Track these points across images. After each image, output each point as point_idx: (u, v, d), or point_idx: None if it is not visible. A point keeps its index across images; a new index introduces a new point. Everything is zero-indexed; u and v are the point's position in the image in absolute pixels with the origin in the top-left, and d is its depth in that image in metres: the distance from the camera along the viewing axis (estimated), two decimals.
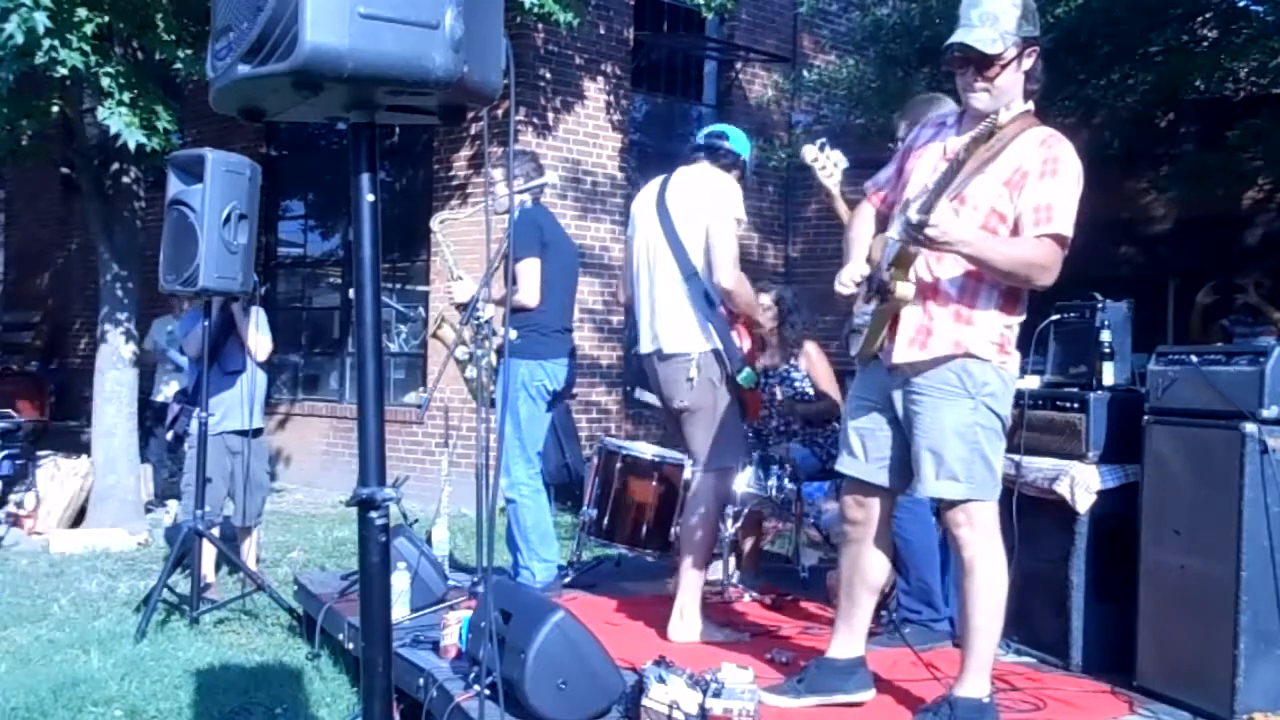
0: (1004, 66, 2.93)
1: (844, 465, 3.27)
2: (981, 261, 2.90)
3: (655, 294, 4.08)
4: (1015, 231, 2.95)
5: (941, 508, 3.10)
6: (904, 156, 3.25)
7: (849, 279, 3.14)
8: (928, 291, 3.01)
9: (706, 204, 4.01)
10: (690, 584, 4.02)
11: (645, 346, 4.16)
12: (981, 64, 2.93)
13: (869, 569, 3.25)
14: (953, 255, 2.93)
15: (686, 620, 4.00)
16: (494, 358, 4.33)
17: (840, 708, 3.22)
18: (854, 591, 3.28)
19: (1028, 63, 2.97)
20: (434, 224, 5.08)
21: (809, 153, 3.92)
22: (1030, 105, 3.00)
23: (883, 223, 3.24)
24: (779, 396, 5.36)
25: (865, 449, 3.19)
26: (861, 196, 3.40)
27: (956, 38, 2.93)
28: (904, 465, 3.15)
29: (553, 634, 3.05)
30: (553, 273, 4.70)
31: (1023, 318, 3.10)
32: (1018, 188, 2.93)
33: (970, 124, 2.98)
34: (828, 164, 3.93)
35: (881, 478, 3.18)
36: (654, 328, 4.09)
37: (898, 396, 3.11)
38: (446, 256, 4.90)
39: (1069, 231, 2.91)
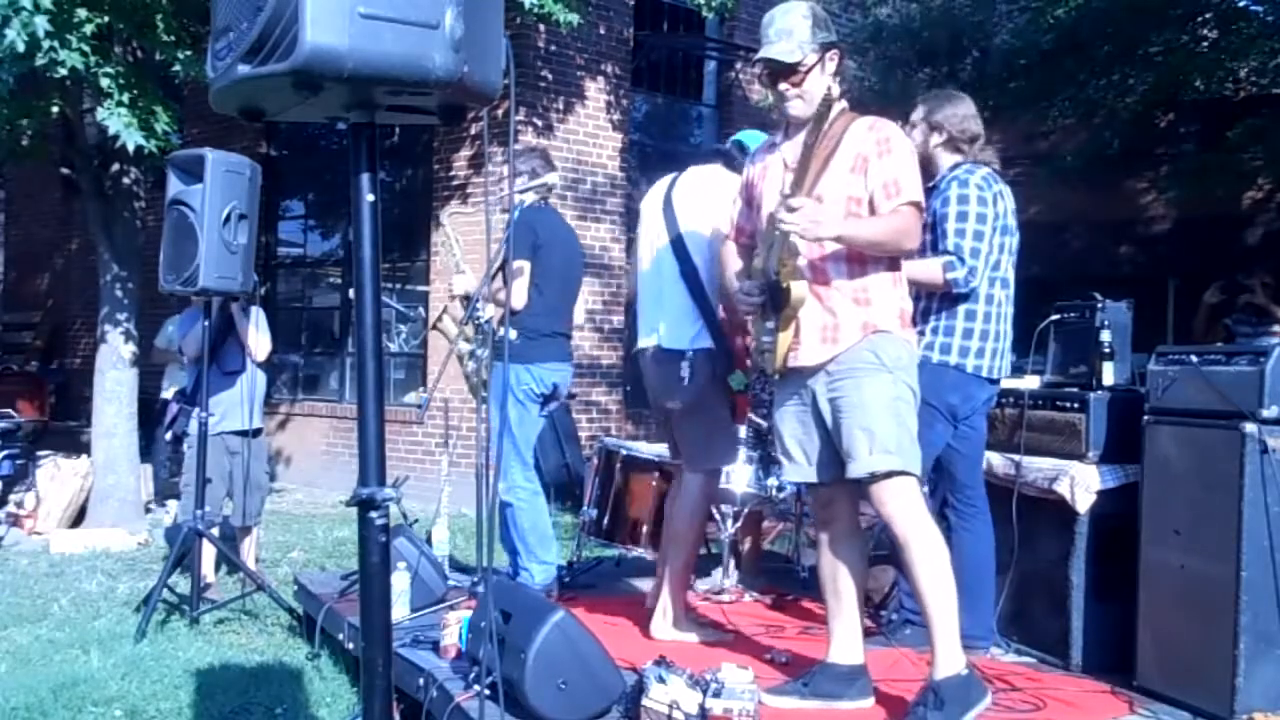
0: (807, 73, 3.19)
1: (789, 474, 3.41)
2: (853, 239, 3.09)
3: (658, 291, 4.09)
4: (871, 210, 3.15)
5: (869, 487, 3.13)
6: (748, 188, 3.47)
7: (747, 296, 3.28)
8: (824, 291, 3.16)
9: (711, 206, 4.02)
10: (674, 582, 4.03)
11: (644, 342, 4.17)
12: (786, 74, 3.19)
13: (846, 561, 3.30)
14: (832, 245, 3.12)
15: (669, 619, 4.01)
16: (491, 356, 4.33)
17: (840, 710, 3.23)
18: (837, 587, 3.31)
19: (831, 66, 3.23)
20: (443, 217, 5.09)
21: None
22: (845, 103, 3.24)
23: (749, 256, 3.41)
24: None
25: (805, 453, 3.29)
26: None
27: (759, 54, 3.23)
28: (837, 459, 3.20)
29: (553, 634, 3.05)
30: (545, 276, 4.63)
31: (908, 297, 3.29)
32: (862, 171, 3.14)
33: (796, 132, 3.23)
34: None
35: (824, 475, 3.26)
36: (655, 324, 4.09)
37: (820, 389, 3.19)
38: (454, 249, 4.88)
39: (920, 196, 3.17)
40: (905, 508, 3.10)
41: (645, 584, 4.91)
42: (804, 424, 3.27)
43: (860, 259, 3.16)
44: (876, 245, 3.13)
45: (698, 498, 4.06)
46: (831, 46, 3.22)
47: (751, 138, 4.27)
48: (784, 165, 3.25)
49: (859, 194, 3.14)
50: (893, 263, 3.22)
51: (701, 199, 4.06)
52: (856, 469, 3.11)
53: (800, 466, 3.31)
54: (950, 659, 3.06)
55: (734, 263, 3.56)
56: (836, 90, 3.19)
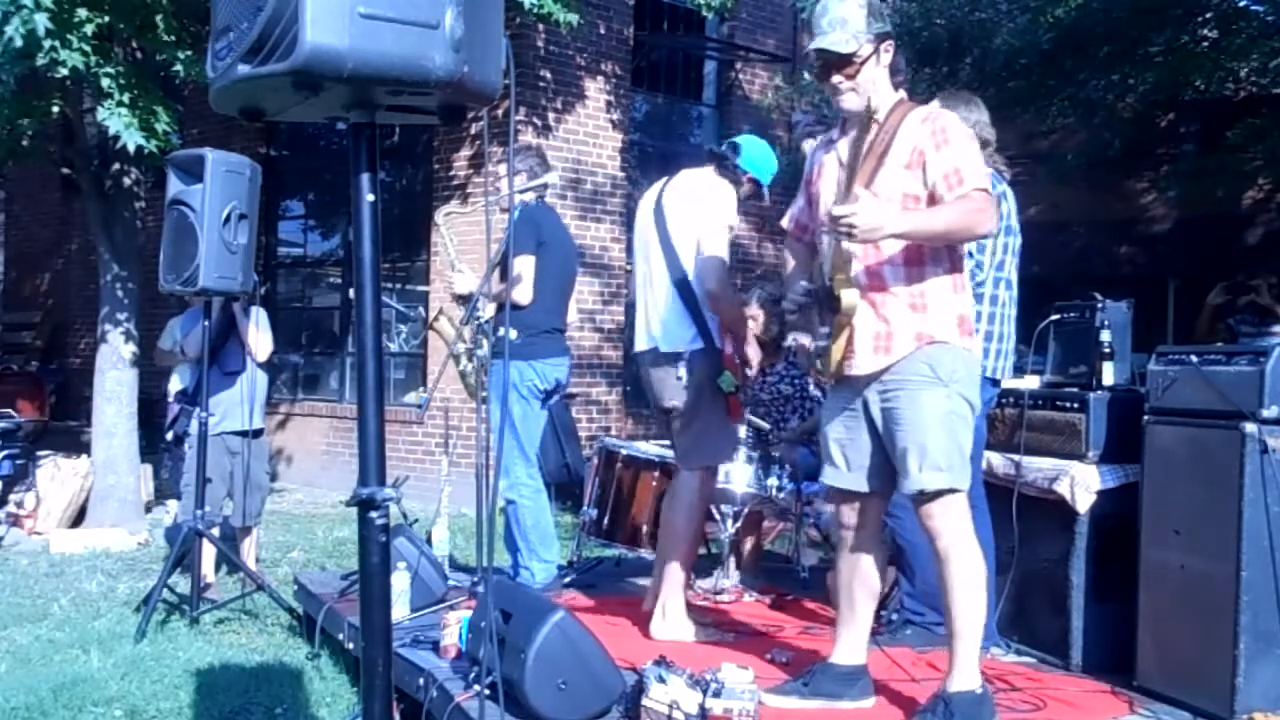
0: (861, 64, 3.06)
1: (828, 478, 3.32)
2: (918, 233, 2.98)
3: (651, 294, 4.10)
4: (932, 202, 3.04)
5: (917, 501, 3.10)
6: (808, 185, 3.37)
7: (795, 297, 3.23)
8: (877, 297, 3.07)
9: (699, 209, 4.02)
10: (673, 582, 4.02)
11: (640, 345, 4.17)
12: (840, 65, 3.07)
13: (867, 572, 3.27)
14: (889, 249, 3.03)
15: (669, 619, 4.01)
16: (490, 356, 4.33)
17: (841, 710, 3.23)
18: (854, 596, 3.29)
19: (886, 57, 3.11)
20: (439, 217, 5.11)
21: (808, 146, 3.94)
22: (902, 94, 3.14)
23: (811, 254, 3.34)
24: (784, 393, 5.36)
25: (846, 459, 3.23)
26: None
27: (812, 45, 3.09)
28: (884, 468, 3.17)
29: (553, 634, 3.05)
30: (545, 273, 4.67)
31: (970, 302, 3.19)
32: (919, 165, 3.02)
33: (852, 127, 3.13)
34: None
35: (865, 484, 3.21)
36: (649, 327, 4.10)
37: (873, 399, 3.13)
38: (449, 250, 4.90)
39: (985, 183, 3.01)
40: (951, 524, 3.05)
41: (645, 584, 4.91)
42: (850, 429, 3.20)
43: (919, 261, 3.05)
44: (946, 235, 2.99)
45: (693, 496, 4.06)
46: (886, 37, 3.09)
47: (750, 144, 4.28)
48: (839, 163, 3.15)
49: (916, 191, 3.02)
50: (954, 265, 3.10)
51: (690, 204, 4.05)
52: (907, 485, 3.07)
53: (840, 472, 3.24)
54: (968, 675, 3.05)
55: (790, 261, 3.45)
56: (887, 84, 3.10)
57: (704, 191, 4.07)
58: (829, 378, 3.20)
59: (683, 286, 3.98)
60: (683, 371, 3.97)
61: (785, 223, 3.49)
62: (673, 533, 4.08)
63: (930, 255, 3.06)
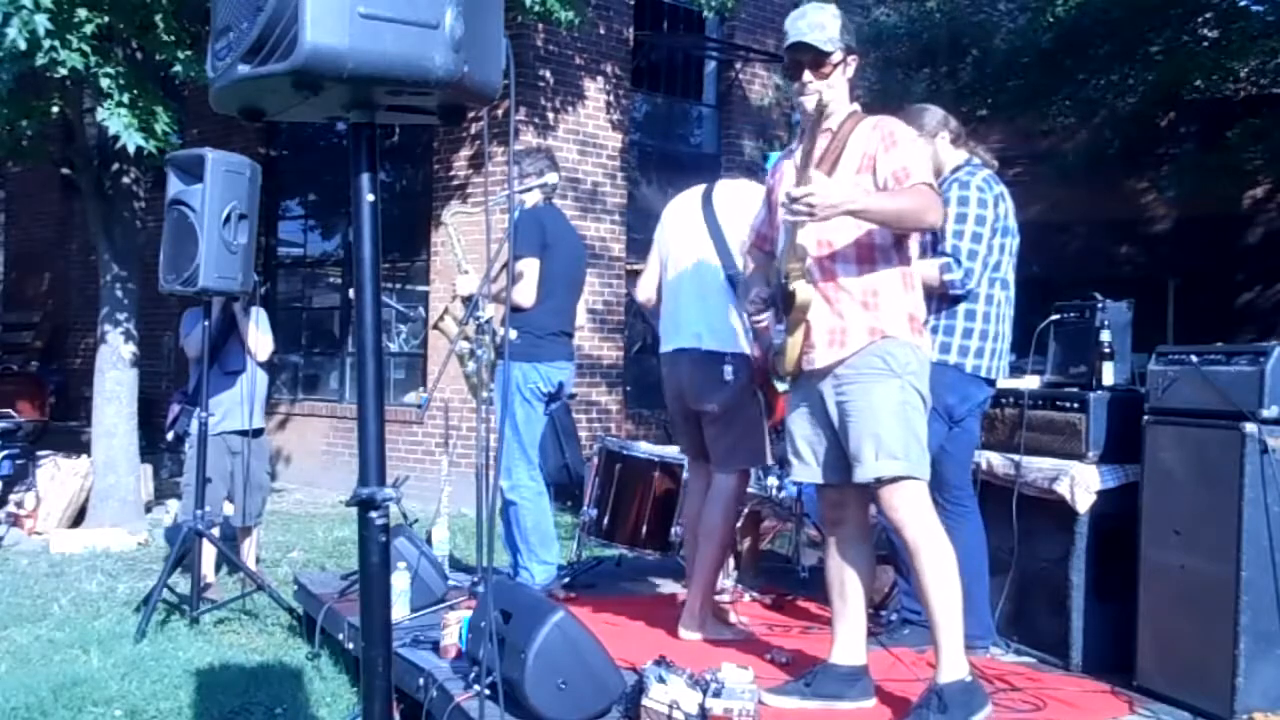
0: (835, 66, 3.21)
1: (798, 474, 3.39)
2: (873, 212, 3.05)
3: (700, 294, 4.11)
4: None
5: (877, 491, 3.14)
6: (768, 194, 3.48)
7: (755, 300, 3.31)
8: (830, 293, 3.16)
9: (748, 217, 4.09)
10: (703, 583, 4.04)
11: (680, 343, 4.16)
12: (815, 64, 3.19)
13: (854, 563, 3.31)
14: (841, 245, 3.12)
15: (700, 620, 4.01)
16: (493, 356, 4.32)
17: (841, 710, 3.23)
18: (845, 590, 3.31)
19: (851, 70, 3.27)
20: (446, 216, 5.12)
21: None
22: (857, 106, 3.30)
23: (770, 262, 3.41)
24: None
25: (814, 453, 3.29)
26: None
27: (791, 40, 3.20)
28: (843, 462, 3.21)
29: (553, 634, 3.05)
30: (552, 275, 4.66)
31: (920, 301, 3.27)
32: (869, 170, 3.14)
33: (810, 132, 3.20)
34: None
35: (834, 476, 3.26)
36: (696, 326, 4.10)
37: (828, 394, 3.19)
38: (456, 249, 4.90)
39: (932, 180, 3.17)
40: (913, 513, 3.10)
41: (645, 584, 4.92)
42: (813, 425, 3.27)
43: (869, 258, 3.14)
44: (898, 217, 3.07)
45: (730, 498, 4.11)
46: (854, 52, 3.25)
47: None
48: (794, 169, 3.22)
49: None
50: (902, 262, 3.20)
51: (740, 207, 4.13)
52: (862, 474, 3.11)
53: (809, 467, 3.31)
54: (954, 664, 3.07)
55: (750, 266, 3.59)
56: (846, 95, 3.24)
57: (749, 199, 4.13)
58: (785, 374, 3.28)
59: (736, 287, 4.03)
60: (729, 374, 4.00)
61: (746, 235, 3.61)
62: (708, 533, 4.09)
63: (880, 254, 3.15)
